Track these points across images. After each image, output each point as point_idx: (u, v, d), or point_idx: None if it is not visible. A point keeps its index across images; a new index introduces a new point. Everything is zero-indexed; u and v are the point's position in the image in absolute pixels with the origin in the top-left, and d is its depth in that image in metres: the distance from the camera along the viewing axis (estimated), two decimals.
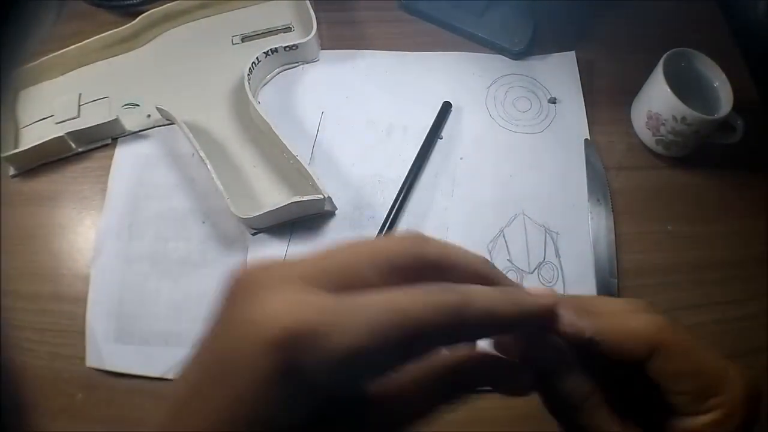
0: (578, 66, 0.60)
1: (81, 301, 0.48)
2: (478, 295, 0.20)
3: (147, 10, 0.59)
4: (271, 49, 0.57)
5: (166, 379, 0.45)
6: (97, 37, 0.58)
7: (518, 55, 0.60)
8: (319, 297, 0.19)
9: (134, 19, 0.59)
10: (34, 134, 0.55)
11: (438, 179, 0.54)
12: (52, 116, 0.56)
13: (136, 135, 0.56)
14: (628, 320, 0.24)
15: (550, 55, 0.61)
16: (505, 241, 0.51)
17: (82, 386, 0.45)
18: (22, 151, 0.52)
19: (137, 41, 0.60)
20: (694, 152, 0.54)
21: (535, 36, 0.60)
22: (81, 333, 0.47)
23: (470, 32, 0.61)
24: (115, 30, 0.58)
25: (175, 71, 0.59)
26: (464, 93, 0.58)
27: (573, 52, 0.61)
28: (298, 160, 0.51)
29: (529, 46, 0.60)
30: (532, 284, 0.48)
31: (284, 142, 0.51)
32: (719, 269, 0.51)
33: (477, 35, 0.61)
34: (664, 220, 0.53)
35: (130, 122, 0.56)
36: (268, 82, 0.59)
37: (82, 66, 0.59)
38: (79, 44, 0.57)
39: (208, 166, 0.50)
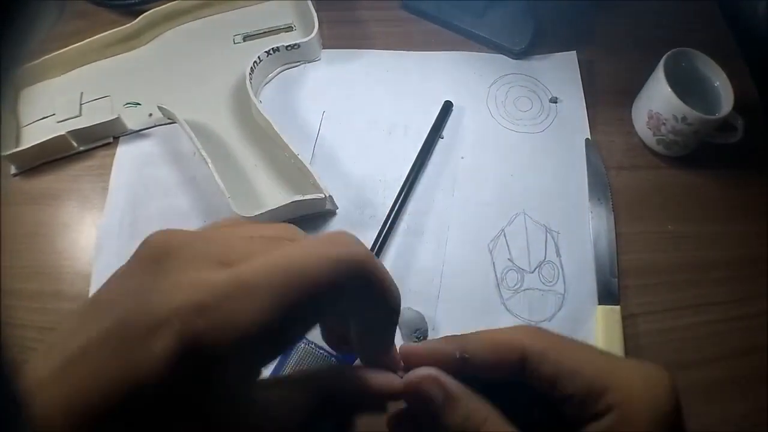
0: (579, 66, 0.60)
1: (82, 299, 0.48)
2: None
3: (148, 10, 0.59)
4: (272, 49, 0.57)
5: None
6: (99, 36, 0.58)
7: (519, 55, 0.60)
8: (223, 275, 0.19)
9: (136, 18, 0.59)
10: (35, 133, 0.55)
11: (439, 178, 0.54)
12: (53, 115, 0.56)
13: (137, 134, 0.56)
14: (494, 333, 0.25)
15: (551, 55, 0.61)
16: (506, 241, 0.51)
17: None
18: (23, 149, 0.52)
19: (139, 40, 0.60)
20: (695, 152, 0.55)
21: (535, 36, 0.60)
22: None
23: (471, 32, 0.61)
24: (117, 29, 0.58)
25: (176, 70, 0.59)
26: (465, 92, 0.58)
27: (574, 52, 0.61)
28: (299, 159, 0.51)
29: (529, 46, 0.60)
30: (533, 284, 0.49)
31: (285, 141, 0.51)
32: (719, 269, 0.51)
33: (478, 35, 0.61)
34: (665, 220, 0.53)
35: (131, 121, 0.56)
36: (269, 81, 0.59)
37: (84, 65, 0.59)
38: (80, 43, 0.57)
39: (210, 165, 0.50)
